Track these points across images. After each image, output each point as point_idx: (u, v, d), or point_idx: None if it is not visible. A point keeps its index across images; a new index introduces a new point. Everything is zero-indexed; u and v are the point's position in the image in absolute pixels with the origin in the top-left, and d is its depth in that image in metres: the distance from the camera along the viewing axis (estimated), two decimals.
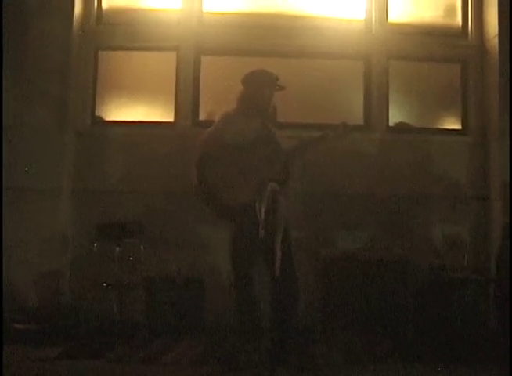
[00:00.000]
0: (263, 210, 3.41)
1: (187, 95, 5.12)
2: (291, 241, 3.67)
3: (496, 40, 4.93)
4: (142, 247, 4.63)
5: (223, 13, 5.23)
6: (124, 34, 5.08)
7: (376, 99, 5.17)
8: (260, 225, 3.39)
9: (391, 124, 5.20)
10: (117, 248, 4.51)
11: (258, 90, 3.71)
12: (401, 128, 5.20)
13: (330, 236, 4.87)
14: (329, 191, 4.94)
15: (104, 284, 4.53)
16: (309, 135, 3.95)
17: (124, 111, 5.14)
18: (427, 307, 4.35)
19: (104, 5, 5.22)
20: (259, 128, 3.70)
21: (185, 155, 4.70)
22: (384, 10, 5.21)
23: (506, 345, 3.63)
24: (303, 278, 3.76)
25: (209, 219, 3.76)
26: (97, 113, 5.14)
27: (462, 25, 5.27)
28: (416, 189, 5.00)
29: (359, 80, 5.21)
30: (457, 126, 5.23)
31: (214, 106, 5.06)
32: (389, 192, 4.97)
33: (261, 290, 3.65)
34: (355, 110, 5.19)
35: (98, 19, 5.19)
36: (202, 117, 5.15)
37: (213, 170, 3.55)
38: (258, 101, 3.71)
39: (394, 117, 5.21)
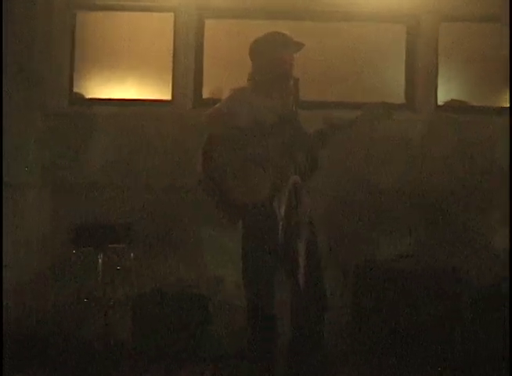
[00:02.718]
0: (283, 209, 3.43)
1: (188, 68, 5.13)
2: (318, 247, 3.67)
3: None
4: (132, 254, 4.63)
5: None
6: None
7: (421, 72, 5.16)
8: (279, 228, 3.40)
9: (440, 102, 5.21)
10: (102, 256, 4.52)
11: (273, 58, 3.69)
12: (453, 106, 5.19)
13: (364, 242, 4.89)
14: (363, 186, 4.96)
15: (85, 300, 4.55)
16: (340, 116, 3.94)
17: (109, 87, 5.16)
18: (482, 329, 4.31)
19: None
20: (278, 107, 3.67)
21: (186, 141, 4.78)
22: None
23: None
24: (330, 292, 3.76)
25: (216, 219, 3.75)
26: (76, 90, 5.17)
27: None
28: (471, 183, 5.00)
29: (401, 48, 5.21)
30: None
31: (221, 81, 5.07)
32: (437, 186, 5.00)
33: (280, 307, 3.65)
34: (395, 85, 5.20)
35: None
36: (206, 94, 5.18)
37: (221, 158, 3.54)
38: (275, 72, 3.71)
39: (445, 93, 5.22)
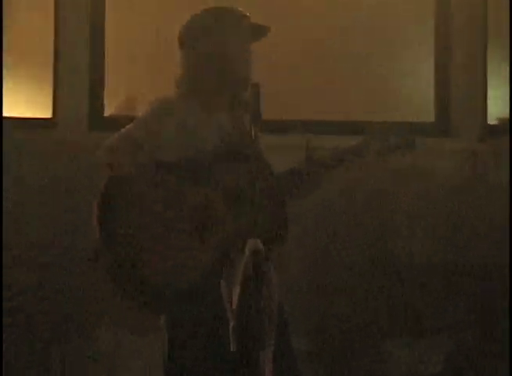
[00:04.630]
0: (235, 296, 3.45)
1: (78, 67, 5.26)
2: (293, 361, 3.73)
3: None
4: None
5: None
6: None
7: (460, 70, 5.34)
8: (230, 327, 3.43)
9: (491, 120, 5.35)
10: None
11: (217, 52, 3.77)
12: None
13: (374, 350, 4.98)
14: (368, 256, 5.09)
15: None
16: (328, 144, 4.02)
17: None
18: None
19: None
20: (226, 130, 3.76)
21: (77, 185, 4.79)
22: None
23: None
24: None
25: (125, 317, 3.75)
26: None
27: None
28: None
29: (426, 32, 5.42)
30: None
31: (134, 87, 5.26)
32: (492, 259, 5.08)
33: None
34: (417, 94, 5.39)
35: None
36: (110, 110, 5.34)
37: (130, 216, 3.57)
38: (221, 73, 3.78)
39: (500, 105, 5.34)
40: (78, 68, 5.27)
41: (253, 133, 3.43)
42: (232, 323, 3.41)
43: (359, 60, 5.36)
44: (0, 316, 4.85)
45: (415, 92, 5.40)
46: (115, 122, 4.61)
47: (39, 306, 5.00)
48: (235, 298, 3.44)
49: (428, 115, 5.36)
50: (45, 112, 5.31)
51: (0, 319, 4.85)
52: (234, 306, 3.43)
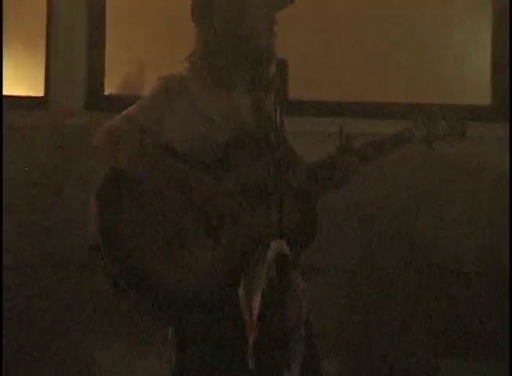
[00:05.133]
0: (256, 306, 3.43)
1: (76, 38, 5.34)
2: None
3: None
4: None
5: None
6: None
7: None
8: (250, 342, 3.42)
9: None
10: None
11: (237, 23, 3.77)
12: None
13: (418, 371, 4.95)
14: (413, 259, 5.09)
15: None
16: (366, 129, 4.00)
17: None
18: None
19: None
20: (247, 113, 3.81)
21: (73, 175, 4.79)
22: None
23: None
24: None
25: (129, 330, 3.74)
26: None
27: None
28: None
29: (482, 8, 5.42)
30: None
31: (139, 63, 5.32)
32: None
33: None
34: (471, 74, 5.40)
35: None
36: (110, 88, 5.38)
37: (134, 212, 3.59)
38: (241, 48, 3.76)
39: None
40: (75, 40, 5.34)
41: (277, 117, 3.38)
42: (251, 337, 3.40)
43: (403, 34, 5.34)
44: (0, 316, 5.04)
45: (469, 71, 5.38)
46: (116, 102, 4.63)
47: (39, 306, 5.07)
48: (255, 309, 3.38)
49: (484, 98, 5.33)
50: (36, 90, 5.31)
51: (0, 319, 5.04)
52: (254, 318, 3.40)
